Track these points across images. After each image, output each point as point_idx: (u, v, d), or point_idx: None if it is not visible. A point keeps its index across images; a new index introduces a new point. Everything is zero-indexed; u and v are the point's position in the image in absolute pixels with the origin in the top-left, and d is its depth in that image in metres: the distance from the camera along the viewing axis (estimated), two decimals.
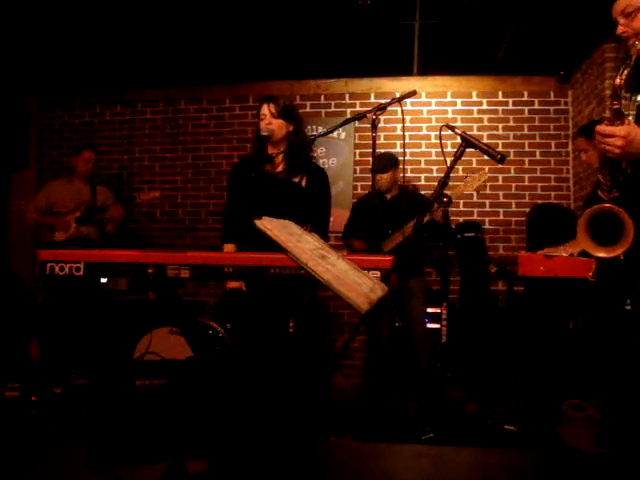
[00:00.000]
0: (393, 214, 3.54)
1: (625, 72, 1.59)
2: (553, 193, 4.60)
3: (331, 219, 2.68)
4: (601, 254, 1.64)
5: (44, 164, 5.35)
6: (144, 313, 3.43)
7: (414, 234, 3.16)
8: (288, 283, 2.19)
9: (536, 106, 4.68)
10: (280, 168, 2.47)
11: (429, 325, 3.74)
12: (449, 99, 4.80)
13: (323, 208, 2.49)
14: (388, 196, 3.72)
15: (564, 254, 2.71)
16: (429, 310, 3.79)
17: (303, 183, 2.43)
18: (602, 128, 1.61)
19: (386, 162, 3.62)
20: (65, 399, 3.22)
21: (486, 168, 3.56)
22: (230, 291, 2.36)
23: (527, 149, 4.66)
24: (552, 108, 4.66)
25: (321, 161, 4.70)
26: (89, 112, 5.33)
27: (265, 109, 2.42)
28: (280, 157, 2.44)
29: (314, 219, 2.38)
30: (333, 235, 4.10)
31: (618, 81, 1.59)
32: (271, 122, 2.40)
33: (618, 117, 1.60)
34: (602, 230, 1.64)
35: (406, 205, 3.59)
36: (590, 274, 1.74)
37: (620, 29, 1.75)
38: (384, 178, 3.62)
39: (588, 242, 1.67)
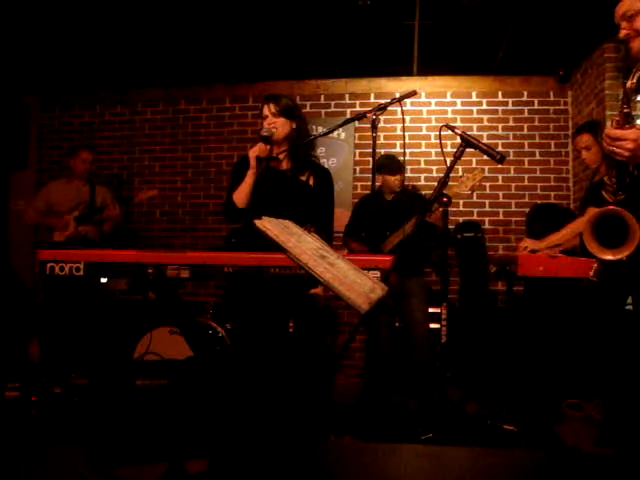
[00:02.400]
0: (393, 214, 3.55)
1: (637, 75, 1.59)
2: (553, 193, 4.60)
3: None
4: (608, 256, 1.64)
5: (44, 164, 5.35)
6: (144, 313, 3.43)
7: (414, 234, 3.17)
8: (288, 283, 2.18)
9: (536, 106, 4.68)
10: (284, 166, 2.47)
11: (429, 325, 3.74)
12: (449, 99, 4.81)
13: (329, 208, 2.49)
14: (388, 197, 3.73)
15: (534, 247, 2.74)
16: (429, 310, 3.79)
17: (310, 182, 2.43)
18: (612, 131, 1.61)
19: (398, 163, 3.66)
20: (65, 399, 3.22)
21: (485, 168, 3.57)
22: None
23: (527, 149, 4.66)
24: (552, 108, 4.66)
25: (321, 161, 4.69)
26: (89, 112, 5.33)
27: (266, 109, 2.42)
28: (284, 156, 2.44)
29: (320, 218, 2.38)
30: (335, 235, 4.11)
31: (629, 84, 1.59)
32: (273, 121, 2.40)
33: (628, 121, 1.60)
34: (608, 232, 1.64)
35: (406, 205, 3.60)
36: (591, 274, 1.74)
37: (622, 32, 1.76)
38: (399, 179, 3.65)
39: (594, 244, 1.67)
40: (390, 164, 3.67)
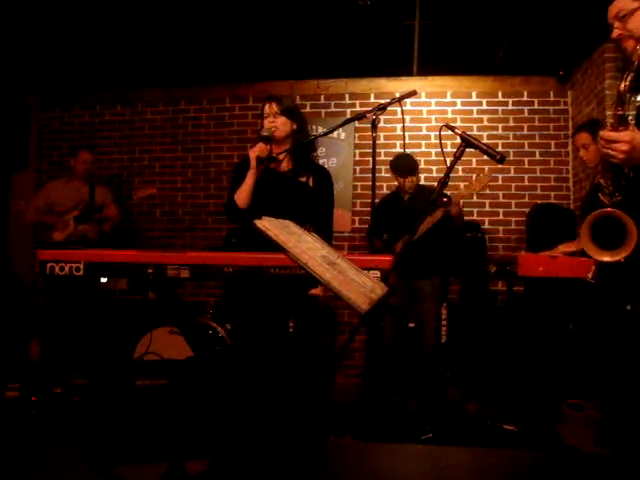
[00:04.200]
0: (410, 214, 3.53)
1: (629, 77, 1.58)
2: (553, 193, 4.60)
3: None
4: (605, 258, 1.64)
5: (44, 164, 5.35)
6: (144, 313, 3.43)
7: (414, 241, 3.16)
8: (288, 283, 2.18)
9: (536, 106, 4.68)
10: (285, 167, 2.47)
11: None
12: (449, 99, 4.80)
13: (328, 209, 2.50)
14: (405, 197, 3.73)
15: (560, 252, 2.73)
16: None
17: (310, 183, 2.44)
18: (606, 134, 1.60)
19: (409, 165, 3.63)
20: (65, 399, 3.22)
21: (486, 168, 3.56)
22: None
23: (527, 149, 4.66)
24: (552, 108, 4.66)
25: (321, 161, 4.70)
26: (89, 112, 5.33)
27: (268, 108, 2.43)
28: (284, 157, 2.44)
29: (320, 219, 2.38)
30: (333, 235, 4.10)
31: (623, 87, 1.58)
32: (275, 120, 2.40)
33: (622, 123, 1.59)
34: (605, 234, 1.64)
35: (423, 204, 3.58)
36: (589, 275, 1.74)
37: (615, 32, 1.76)
38: (410, 181, 3.63)
39: (591, 246, 1.66)
40: (401, 166, 3.63)
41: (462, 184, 3.31)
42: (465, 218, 4.59)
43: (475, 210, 4.68)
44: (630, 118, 1.63)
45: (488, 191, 4.63)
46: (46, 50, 4.23)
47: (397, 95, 2.47)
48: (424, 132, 4.78)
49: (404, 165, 3.63)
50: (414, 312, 3.70)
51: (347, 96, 4.94)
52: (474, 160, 4.43)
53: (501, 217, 4.66)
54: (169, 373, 2.90)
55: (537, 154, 4.65)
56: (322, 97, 4.97)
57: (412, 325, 3.79)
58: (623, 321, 2.36)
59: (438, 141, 1.87)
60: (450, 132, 1.84)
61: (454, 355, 3.94)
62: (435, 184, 1.88)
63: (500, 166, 3.94)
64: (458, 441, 2.92)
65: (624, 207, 1.64)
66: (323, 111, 4.96)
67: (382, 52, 4.30)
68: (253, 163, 2.34)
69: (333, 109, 4.95)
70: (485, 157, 1.81)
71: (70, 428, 2.87)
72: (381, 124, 2.28)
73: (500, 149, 4.50)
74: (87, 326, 3.68)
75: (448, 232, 3.57)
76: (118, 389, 2.98)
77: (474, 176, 3.31)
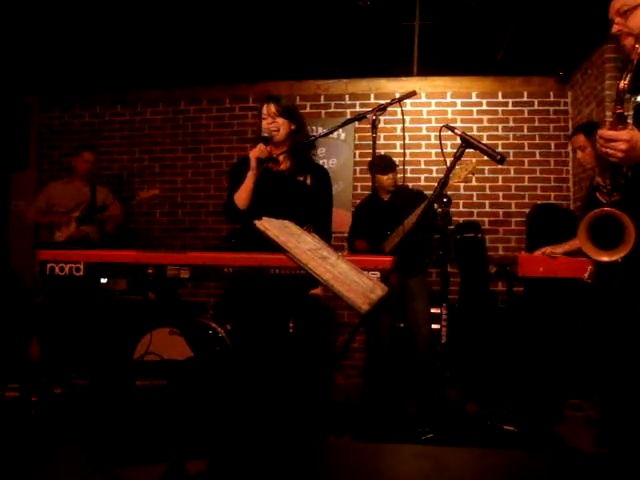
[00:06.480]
0: (391, 214, 3.54)
1: (629, 76, 1.58)
2: (553, 194, 4.60)
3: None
4: (604, 258, 1.64)
5: (44, 165, 5.35)
6: (144, 313, 3.43)
7: (416, 226, 3.16)
8: (288, 283, 2.18)
9: (536, 107, 4.68)
10: (283, 167, 2.47)
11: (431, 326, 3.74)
12: (449, 100, 4.81)
13: (327, 207, 2.50)
14: (385, 197, 3.73)
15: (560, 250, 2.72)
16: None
17: (308, 182, 2.44)
18: (605, 132, 1.60)
19: (389, 162, 3.65)
20: (65, 399, 3.22)
21: (485, 168, 3.57)
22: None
23: (527, 150, 4.66)
24: (552, 109, 4.67)
25: (321, 161, 4.70)
26: (89, 112, 5.33)
27: (267, 109, 2.43)
28: (283, 157, 2.44)
29: (318, 218, 2.38)
30: (333, 235, 4.11)
31: (622, 85, 1.58)
32: (274, 121, 2.41)
33: (621, 122, 1.59)
34: (603, 234, 1.64)
35: (404, 202, 3.59)
36: (586, 275, 1.74)
37: (615, 27, 1.75)
38: (391, 178, 3.65)
39: (590, 246, 1.66)
40: (381, 163, 3.63)
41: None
42: (465, 218, 4.62)
43: (475, 210, 4.68)
44: (629, 118, 1.63)
45: (488, 191, 4.67)
46: (46, 50, 4.23)
47: (397, 95, 2.47)
48: (424, 132, 4.78)
49: (384, 162, 3.64)
50: (405, 312, 3.69)
51: (347, 97, 4.94)
52: (474, 160, 4.42)
53: (501, 217, 4.66)
54: (169, 373, 2.90)
55: (537, 154, 4.65)
56: (322, 97, 4.97)
57: (403, 325, 3.79)
58: (623, 322, 2.36)
59: (438, 141, 1.87)
60: (450, 132, 1.84)
61: (454, 355, 3.94)
62: (435, 184, 1.88)
63: (500, 166, 3.96)
64: (458, 441, 2.92)
65: (622, 206, 1.64)
66: (323, 111, 4.96)
67: (382, 52, 4.30)
68: (253, 164, 2.34)
69: (333, 109, 4.95)
70: (485, 157, 1.81)
71: (70, 428, 2.87)
72: (381, 125, 2.28)
73: (500, 149, 4.50)
74: (87, 326, 3.68)
75: (432, 230, 3.61)
76: (118, 389, 2.98)
77: (456, 167, 3.29)
